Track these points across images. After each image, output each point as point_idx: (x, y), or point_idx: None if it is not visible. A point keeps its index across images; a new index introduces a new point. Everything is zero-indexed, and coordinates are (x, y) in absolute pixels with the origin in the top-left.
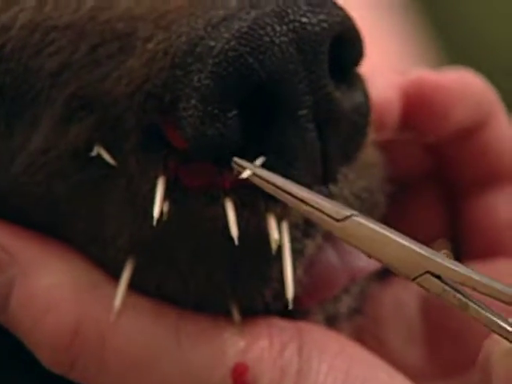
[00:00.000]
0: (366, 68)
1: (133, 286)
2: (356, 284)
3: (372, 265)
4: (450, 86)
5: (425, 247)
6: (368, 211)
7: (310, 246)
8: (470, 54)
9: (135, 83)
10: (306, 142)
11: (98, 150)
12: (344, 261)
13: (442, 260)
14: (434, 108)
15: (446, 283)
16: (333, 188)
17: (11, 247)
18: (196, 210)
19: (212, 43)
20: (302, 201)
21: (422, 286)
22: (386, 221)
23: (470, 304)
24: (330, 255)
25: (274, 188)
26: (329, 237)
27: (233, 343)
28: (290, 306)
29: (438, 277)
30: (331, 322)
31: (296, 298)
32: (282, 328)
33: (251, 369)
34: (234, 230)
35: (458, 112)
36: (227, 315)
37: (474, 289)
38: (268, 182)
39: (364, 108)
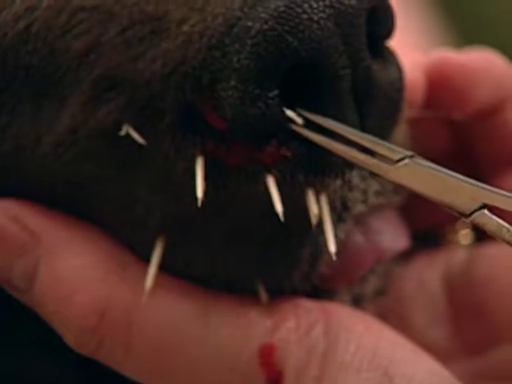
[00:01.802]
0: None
1: (160, 267)
2: (381, 264)
3: (398, 244)
4: (472, 65)
5: (480, 183)
6: (395, 190)
7: (342, 229)
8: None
9: (172, 64)
10: (346, 115)
11: (127, 130)
12: (371, 241)
13: (498, 191)
14: (457, 87)
15: (501, 219)
16: None
17: (36, 227)
18: (234, 189)
19: (249, 23)
20: (356, 144)
21: (476, 224)
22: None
23: None
24: (357, 236)
25: (326, 140)
26: (356, 219)
27: (260, 324)
28: (334, 258)
29: (493, 212)
30: (357, 302)
31: (325, 278)
32: (309, 309)
33: (278, 349)
34: (278, 206)
35: (480, 91)
36: (255, 296)
37: None
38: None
39: (399, 83)
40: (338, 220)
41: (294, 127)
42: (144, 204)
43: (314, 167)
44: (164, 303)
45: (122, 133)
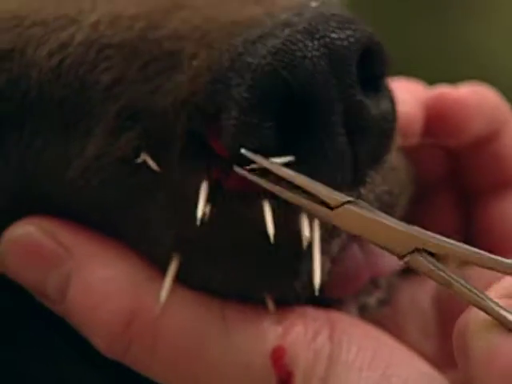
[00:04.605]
0: None
1: (180, 281)
2: (384, 278)
3: (394, 265)
4: (467, 100)
5: (413, 227)
6: (386, 213)
7: (336, 244)
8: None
9: (182, 96)
10: (337, 146)
11: (144, 157)
12: (368, 261)
13: (427, 236)
14: (453, 120)
15: (432, 263)
16: (362, 191)
17: (68, 242)
18: (236, 211)
19: (249, 59)
20: (297, 188)
21: (410, 266)
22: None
23: (453, 282)
24: (357, 255)
25: (269, 183)
26: (357, 238)
27: (272, 330)
28: (317, 293)
29: (428, 254)
30: (363, 311)
31: (326, 288)
32: (315, 317)
33: (288, 352)
34: (270, 230)
35: (474, 123)
36: (263, 305)
37: (460, 258)
38: (267, 173)
39: (391, 115)
40: (329, 237)
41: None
42: (160, 224)
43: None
44: (186, 313)
45: (139, 160)
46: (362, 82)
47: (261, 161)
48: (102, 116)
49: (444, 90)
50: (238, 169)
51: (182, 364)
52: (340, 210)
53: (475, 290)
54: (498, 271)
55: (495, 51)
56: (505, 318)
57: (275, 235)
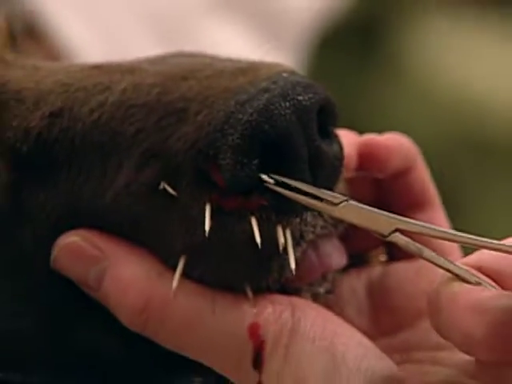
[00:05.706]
0: None
1: (184, 275)
2: (331, 274)
3: (340, 262)
4: (389, 144)
5: (394, 215)
6: (334, 227)
7: (299, 250)
8: None
9: (190, 143)
10: (304, 176)
11: (164, 185)
12: (320, 261)
13: (405, 220)
14: (378, 158)
15: (407, 239)
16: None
17: (103, 246)
18: (229, 225)
19: (240, 116)
20: (309, 194)
21: (393, 242)
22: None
23: (425, 250)
24: (312, 258)
25: (290, 193)
26: (313, 243)
27: (249, 311)
28: (293, 273)
29: (403, 233)
30: (315, 297)
31: (289, 280)
32: (281, 301)
33: (261, 326)
34: (257, 239)
35: (394, 161)
36: (244, 293)
37: (428, 234)
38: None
39: (340, 155)
40: (296, 244)
41: (269, 186)
42: (173, 234)
43: (282, 211)
44: (187, 298)
45: (160, 187)
46: (319, 131)
47: (286, 180)
48: (129, 156)
49: (372, 137)
50: (272, 186)
51: (184, 334)
52: (340, 206)
53: (441, 257)
54: (454, 241)
55: (405, 111)
56: (463, 274)
57: (256, 242)
